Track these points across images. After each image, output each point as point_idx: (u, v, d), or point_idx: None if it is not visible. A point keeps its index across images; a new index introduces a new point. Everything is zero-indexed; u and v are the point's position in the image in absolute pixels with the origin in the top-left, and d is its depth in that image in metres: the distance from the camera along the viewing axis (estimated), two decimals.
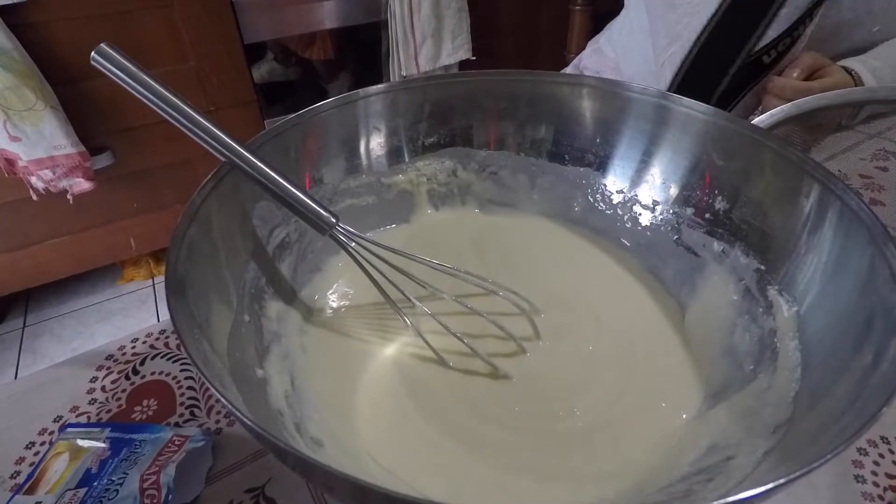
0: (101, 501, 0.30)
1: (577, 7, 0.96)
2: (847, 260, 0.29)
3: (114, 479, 0.32)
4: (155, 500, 0.31)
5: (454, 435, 0.32)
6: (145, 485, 0.31)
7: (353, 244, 0.35)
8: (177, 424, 0.38)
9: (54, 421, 0.39)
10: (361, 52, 1.63)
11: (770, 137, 0.34)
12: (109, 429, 0.35)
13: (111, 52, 0.30)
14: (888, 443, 0.36)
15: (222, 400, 0.21)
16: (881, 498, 0.33)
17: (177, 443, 0.34)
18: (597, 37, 0.82)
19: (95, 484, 0.31)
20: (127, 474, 0.32)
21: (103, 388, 0.41)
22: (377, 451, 0.31)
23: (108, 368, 0.42)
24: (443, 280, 0.36)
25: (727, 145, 0.37)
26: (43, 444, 0.37)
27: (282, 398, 0.31)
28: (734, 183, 0.37)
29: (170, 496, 0.31)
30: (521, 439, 0.32)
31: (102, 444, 0.34)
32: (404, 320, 0.35)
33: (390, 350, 0.37)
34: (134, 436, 0.35)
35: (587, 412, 0.33)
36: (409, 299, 0.35)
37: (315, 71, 1.66)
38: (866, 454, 0.36)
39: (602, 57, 0.77)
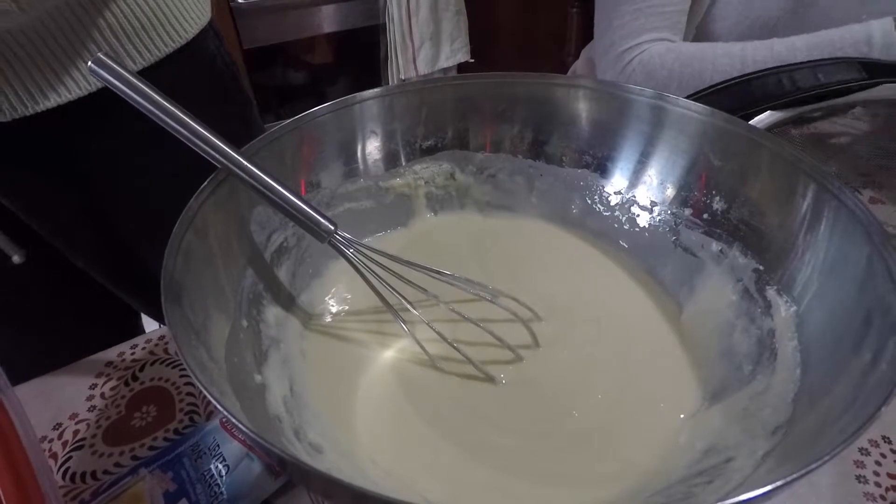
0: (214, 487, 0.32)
1: (575, 9, 0.96)
2: (845, 259, 0.29)
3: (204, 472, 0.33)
4: None
5: (453, 439, 0.32)
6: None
7: (352, 250, 0.35)
8: (176, 431, 0.38)
9: (53, 428, 0.39)
10: (360, 56, 1.63)
11: (766, 136, 0.34)
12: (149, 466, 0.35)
13: (108, 61, 0.30)
14: (890, 443, 0.36)
15: (219, 407, 0.21)
16: (883, 498, 0.33)
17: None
18: (589, 44, 0.82)
19: (188, 488, 0.32)
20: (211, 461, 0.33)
21: (102, 395, 0.41)
22: (377, 455, 0.31)
23: (108, 375, 0.42)
24: (443, 285, 0.36)
25: (724, 145, 0.37)
26: (43, 452, 0.37)
27: (280, 404, 0.31)
28: (731, 183, 0.37)
29: None
30: (521, 443, 0.31)
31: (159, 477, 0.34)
32: (403, 327, 0.35)
33: (389, 354, 0.37)
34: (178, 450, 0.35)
35: (586, 415, 0.33)
36: (408, 307, 0.35)
37: (315, 75, 1.67)
38: (868, 454, 0.35)
39: (594, 66, 0.78)
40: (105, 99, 0.41)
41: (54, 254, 0.50)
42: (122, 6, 0.41)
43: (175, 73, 0.44)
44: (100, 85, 0.42)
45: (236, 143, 0.32)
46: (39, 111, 0.39)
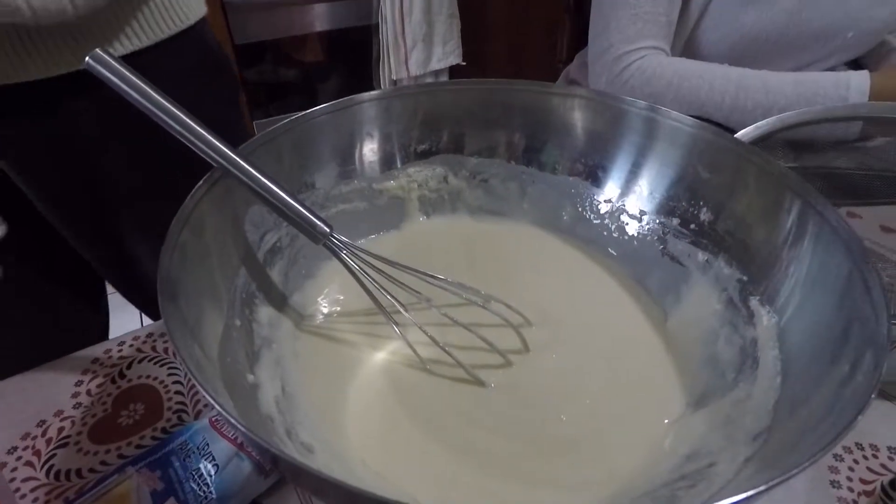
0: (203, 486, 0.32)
1: (567, 16, 0.97)
2: (826, 273, 0.30)
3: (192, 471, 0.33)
4: None
5: (443, 441, 0.32)
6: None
7: (346, 252, 0.35)
8: (164, 430, 0.38)
9: (38, 425, 0.38)
10: (352, 55, 1.63)
11: (754, 152, 0.35)
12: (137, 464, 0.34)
13: (105, 56, 0.30)
14: (862, 449, 0.37)
15: (216, 406, 0.21)
16: (856, 502, 0.34)
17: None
18: (584, 49, 0.83)
19: (176, 487, 0.32)
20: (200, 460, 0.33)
21: (88, 392, 0.40)
22: (367, 456, 0.31)
23: (94, 372, 0.42)
24: (435, 289, 0.36)
25: (712, 158, 0.38)
26: (26, 448, 0.37)
27: (272, 404, 0.31)
28: (719, 195, 0.38)
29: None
30: (509, 446, 0.32)
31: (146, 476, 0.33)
32: (395, 330, 0.36)
33: (381, 357, 0.37)
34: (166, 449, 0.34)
35: (573, 419, 0.33)
36: (400, 309, 0.35)
37: (306, 73, 1.66)
38: (842, 460, 0.37)
39: (587, 71, 0.79)
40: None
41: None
42: None
43: (181, 50, 0.50)
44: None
45: (228, 123, 0.32)
46: (53, 75, 0.42)
